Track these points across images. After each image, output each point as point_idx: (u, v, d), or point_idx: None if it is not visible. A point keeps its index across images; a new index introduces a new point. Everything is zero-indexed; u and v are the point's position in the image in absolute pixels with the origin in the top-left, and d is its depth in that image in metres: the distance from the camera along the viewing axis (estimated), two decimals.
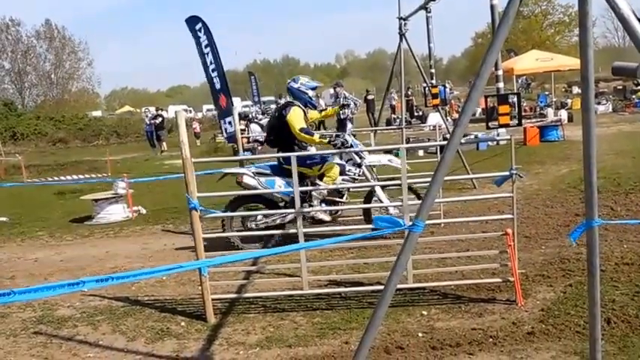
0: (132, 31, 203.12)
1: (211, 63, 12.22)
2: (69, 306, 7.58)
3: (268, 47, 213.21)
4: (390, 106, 33.08)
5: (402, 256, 3.67)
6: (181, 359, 5.85)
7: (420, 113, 33.48)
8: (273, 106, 35.74)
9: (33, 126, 49.17)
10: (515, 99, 12.22)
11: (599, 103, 30.74)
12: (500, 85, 11.95)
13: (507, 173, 6.40)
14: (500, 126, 11.38)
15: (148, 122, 35.53)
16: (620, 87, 37.33)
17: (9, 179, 22.56)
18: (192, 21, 12.44)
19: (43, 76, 67.12)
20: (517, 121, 11.64)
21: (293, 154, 7.09)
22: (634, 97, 33.49)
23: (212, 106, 60.54)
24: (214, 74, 12.33)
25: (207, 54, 12.24)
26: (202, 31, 12.20)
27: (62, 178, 20.93)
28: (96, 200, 13.39)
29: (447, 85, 38.37)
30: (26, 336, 6.69)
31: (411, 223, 3.60)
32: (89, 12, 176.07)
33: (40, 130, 48.89)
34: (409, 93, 35.08)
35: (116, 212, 13.28)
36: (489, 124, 12.68)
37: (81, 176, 21.16)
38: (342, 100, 20.59)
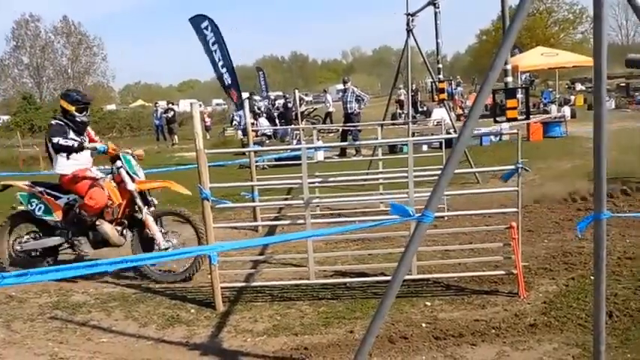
0: (145, 28, 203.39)
1: (220, 59, 12.11)
2: (83, 292, 7.60)
3: (277, 44, 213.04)
4: (397, 101, 32.94)
5: (410, 245, 3.60)
6: (191, 345, 5.85)
7: (425, 108, 33.36)
8: (281, 101, 35.82)
9: (50, 119, 49.36)
10: (522, 94, 12.10)
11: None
12: (509, 79, 11.79)
13: (513, 167, 6.34)
14: (508, 120, 11.26)
15: (158, 116, 35.65)
16: (623, 84, 37.16)
17: (27, 169, 22.56)
18: (198, 19, 12.31)
19: (60, 71, 67.34)
20: (525, 116, 11.56)
21: None
22: (637, 94, 33.28)
23: (221, 101, 60.79)
24: (224, 70, 12.23)
25: (215, 51, 12.12)
26: (209, 28, 12.07)
27: None
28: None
29: (453, 81, 38.29)
30: (42, 321, 6.70)
31: (420, 214, 3.54)
32: (105, 10, 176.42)
33: None
34: (414, 88, 34.89)
35: None
36: (497, 118, 12.56)
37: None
38: (349, 95, 20.55)
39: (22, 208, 8.20)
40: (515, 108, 10.53)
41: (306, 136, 22.51)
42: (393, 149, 18.07)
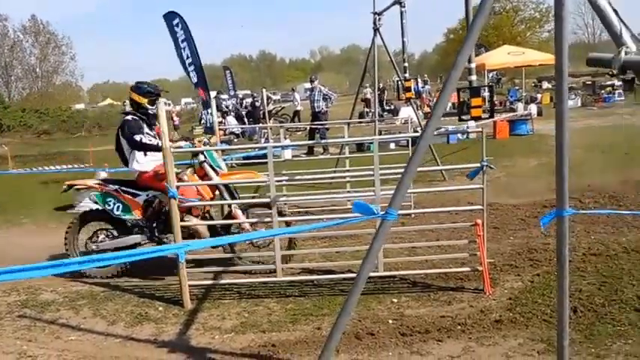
0: (114, 27, 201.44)
1: (188, 57, 12.03)
2: (52, 290, 7.51)
3: (245, 43, 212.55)
4: (363, 99, 33.00)
5: (375, 243, 3.61)
6: (159, 342, 5.84)
7: (392, 107, 33.45)
8: (249, 100, 35.73)
9: (19, 118, 48.65)
10: (487, 92, 12.19)
11: (568, 98, 30.92)
12: (473, 77, 11.85)
13: (478, 165, 6.38)
14: (472, 118, 11.34)
15: None
16: (589, 82, 37.55)
17: None
18: (170, 17, 12.21)
19: (29, 70, 66.50)
20: (489, 114, 11.63)
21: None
22: (603, 92, 33.70)
23: (190, 100, 60.44)
24: (191, 68, 12.15)
25: (184, 48, 12.03)
26: (180, 26, 11.97)
27: (46, 168, 20.71)
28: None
29: (419, 79, 38.45)
30: (11, 319, 6.63)
31: (384, 212, 3.54)
32: (74, 9, 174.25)
33: (25, 122, 48.34)
34: (381, 87, 34.98)
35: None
36: (461, 117, 12.63)
37: (64, 166, 20.95)
38: (316, 94, 20.54)
39: (85, 207, 7.90)
40: (479, 106, 10.62)
41: (274, 134, 22.46)
42: (360, 147, 18.10)
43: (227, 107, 31.51)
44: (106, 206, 7.85)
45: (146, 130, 7.79)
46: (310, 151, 19.57)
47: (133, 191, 7.94)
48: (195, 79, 12.07)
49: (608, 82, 33.14)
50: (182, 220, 7.22)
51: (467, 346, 5.20)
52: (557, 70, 3.21)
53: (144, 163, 7.85)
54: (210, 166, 7.73)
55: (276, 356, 5.34)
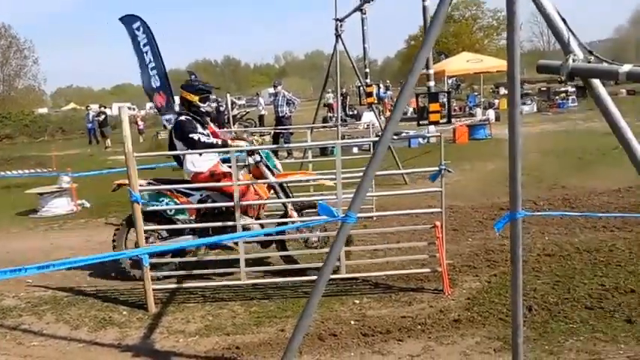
0: (78, 31, 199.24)
1: (150, 61, 11.90)
2: (14, 296, 7.42)
3: (209, 48, 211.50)
4: (325, 105, 33.11)
5: (334, 246, 3.63)
6: (123, 347, 5.79)
7: (354, 112, 33.58)
8: (214, 105, 35.51)
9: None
10: (445, 98, 12.32)
11: (524, 104, 31.41)
12: (431, 83, 12.00)
13: (437, 169, 6.46)
14: (431, 123, 11.47)
15: (90, 119, 35.13)
16: (545, 88, 38.21)
17: None
18: (129, 19, 12.03)
19: None
20: (447, 119, 11.75)
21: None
22: (557, 97, 34.28)
23: None
24: (153, 72, 12.01)
25: (147, 52, 11.89)
26: (141, 29, 11.81)
27: (8, 172, 20.41)
28: (41, 194, 13.09)
29: (381, 85, 38.64)
30: None
31: (344, 215, 3.57)
32: (36, 12, 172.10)
33: None
34: (344, 92, 35.13)
35: (61, 206, 13.02)
36: (420, 122, 12.76)
37: (27, 171, 20.67)
38: (280, 99, 20.56)
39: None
40: (438, 112, 10.74)
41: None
42: (324, 152, 18.14)
43: None
44: (159, 206, 7.48)
45: (199, 129, 7.55)
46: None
47: (186, 191, 7.67)
48: (157, 84, 11.96)
49: (562, 89, 33.73)
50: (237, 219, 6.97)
51: (426, 346, 5.25)
52: (509, 76, 3.27)
53: (200, 163, 7.60)
54: (266, 166, 7.54)
55: (240, 358, 5.33)
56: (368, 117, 22.04)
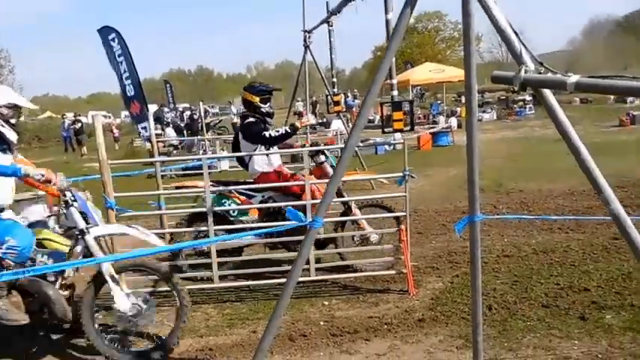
0: (55, 40, 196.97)
1: (125, 71, 11.88)
2: None
3: (183, 57, 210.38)
4: (295, 113, 33.12)
5: (302, 249, 3.71)
6: (95, 350, 5.65)
7: (324, 120, 33.60)
8: (188, 113, 35.45)
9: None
10: (408, 107, 12.43)
11: (484, 112, 31.87)
12: (395, 93, 12.09)
13: (401, 174, 6.59)
14: (395, 131, 11.58)
15: (66, 128, 34.75)
16: (504, 97, 38.77)
17: None
18: (106, 31, 12.05)
19: None
20: (410, 127, 11.87)
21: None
22: (516, 106, 34.80)
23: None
24: (127, 82, 11.99)
25: (122, 62, 11.87)
26: (116, 40, 11.77)
27: None
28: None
29: (349, 94, 38.76)
30: None
31: (311, 220, 3.66)
32: (12, 21, 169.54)
33: None
34: (313, 100, 35.20)
35: (36, 212, 12.85)
36: (385, 129, 12.87)
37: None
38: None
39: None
40: (401, 120, 10.86)
41: (212, 146, 22.33)
42: (294, 158, 18.18)
43: (167, 119, 31.21)
44: (222, 207, 7.41)
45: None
46: None
47: (248, 192, 7.62)
48: (131, 93, 11.93)
49: (520, 97, 34.25)
50: None
51: (392, 345, 5.35)
52: (466, 87, 3.39)
53: (265, 163, 7.56)
54: (332, 167, 7.49)
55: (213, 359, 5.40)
56: (336, 124, 22.13)
